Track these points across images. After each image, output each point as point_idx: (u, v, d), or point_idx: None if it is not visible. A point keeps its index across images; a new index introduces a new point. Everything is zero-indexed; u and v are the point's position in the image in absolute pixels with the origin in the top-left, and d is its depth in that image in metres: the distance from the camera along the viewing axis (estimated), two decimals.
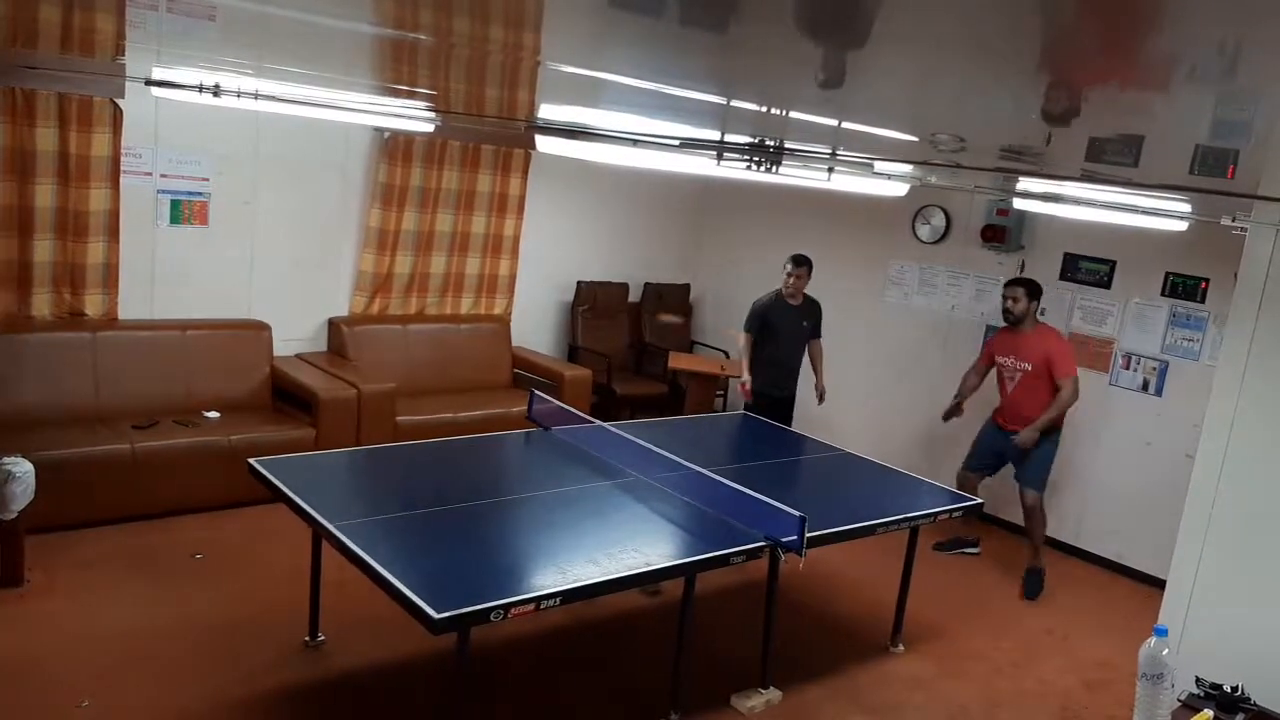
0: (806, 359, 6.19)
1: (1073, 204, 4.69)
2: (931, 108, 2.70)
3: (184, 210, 5.75)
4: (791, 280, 5.96)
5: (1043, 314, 5.73)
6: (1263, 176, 3.38)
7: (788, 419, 6.07)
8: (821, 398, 6.16)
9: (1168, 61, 1.62)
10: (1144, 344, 5.88)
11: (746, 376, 6.08)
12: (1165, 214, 4.37)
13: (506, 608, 3.02)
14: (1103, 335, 6.06)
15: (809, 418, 6.25)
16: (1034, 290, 5.49)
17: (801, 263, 5.98)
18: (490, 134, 6.53)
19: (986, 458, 5.71)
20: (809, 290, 6.10)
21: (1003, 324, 5.68)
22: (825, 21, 1.61)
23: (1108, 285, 6.03)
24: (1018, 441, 5.43)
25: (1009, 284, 5.57)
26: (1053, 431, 5.47)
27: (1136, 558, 5.86)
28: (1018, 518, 6.29)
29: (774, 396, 6.05)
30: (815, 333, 6.16)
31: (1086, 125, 2.63)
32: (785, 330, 6.02)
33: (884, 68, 2.09)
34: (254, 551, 4.90)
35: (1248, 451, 3.87)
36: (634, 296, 7.96)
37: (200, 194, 5.78)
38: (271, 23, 2.67)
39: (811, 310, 6.12)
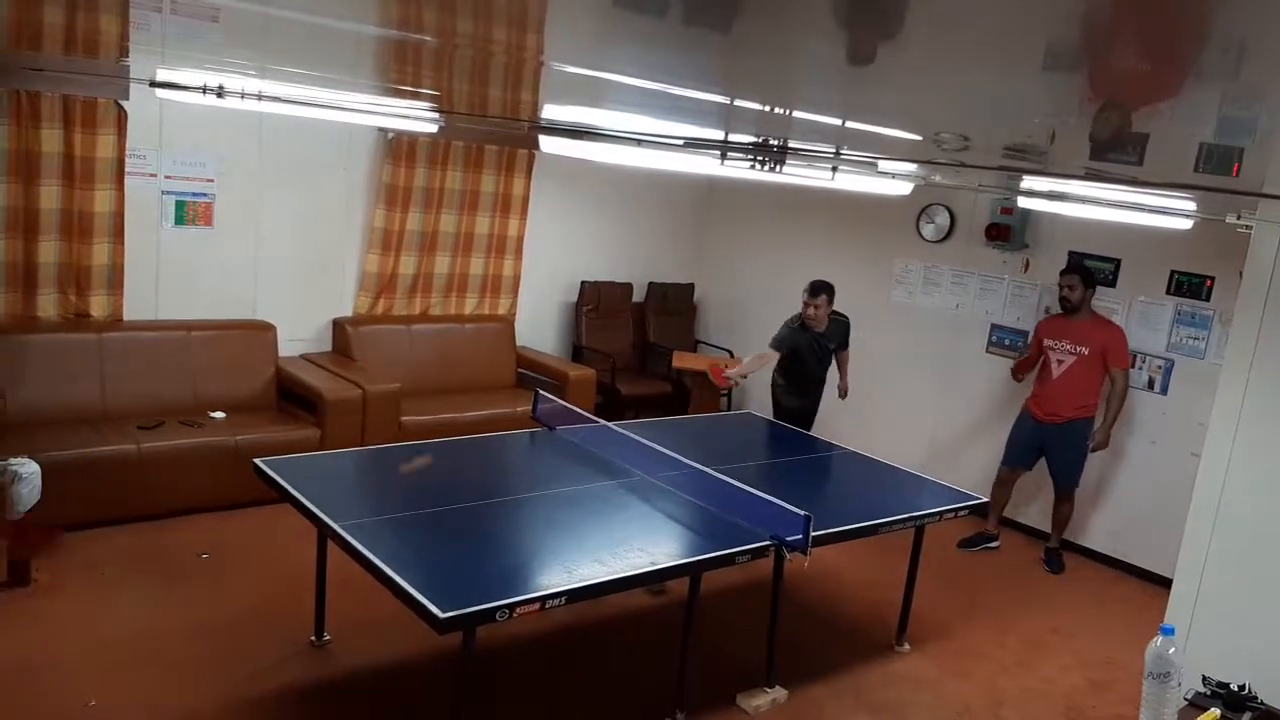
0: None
1: (1077, 202, 4.68)
2: (936, 106, 2.69)
3: (189, 211, 5.77)
4: (810, 310, 5.64)
5: (1046, 311, 5.72)
6: (1268, 174, 3.37)
7: (807, 427, 5.96)
8: (844, 394, 6.04)
9: (1174, 59, 1.62)
10: (1149, 342, 5.87)
11: (738, 370, 5.99)
12: (1170, 212, 4.36)
13: (512, 607, 3.03)
14: None
15: (819, 422, 6.23)
16: (1089, 278, 5.61)
17: (818, 291, 5.61)
18: (494, 134, 6.53)
19: (1025, 453, 5.78)
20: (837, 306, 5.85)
21: (1056, 312, 5.80)
22: (831, 19, 1.61)
23: (1113, 284, 6.01)
24: (1095, 446, 5.56)
25: (1064, 272, 5.68)
26: (1089, 421, 5.61)
27: (1142, 556, 5.85)
28: (1028, 519, 6.32)
29: (797, 408, 5.94)
30: (842, 346, 5.96)
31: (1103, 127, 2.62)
32: (811, 356, 5.82)
33: (888, 66, 2.09)
34: (259, 551, 4.90)
35: (1254, 449, 3.86)
36: (638, 296, 7.96)
37: (205, 195, 5.79)
38: (275, 24, 2.67)
39: (837, 332, 5.86)
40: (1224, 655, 3.36)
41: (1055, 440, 5.67)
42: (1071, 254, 6.15)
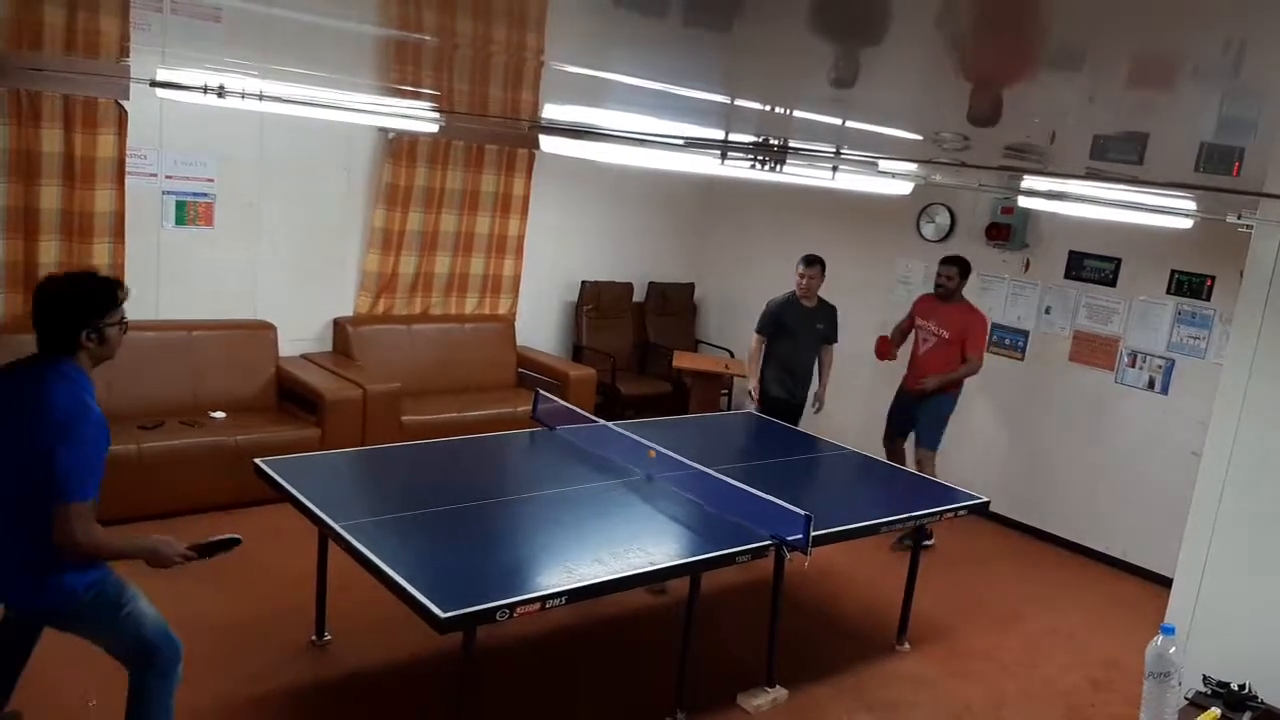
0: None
1: (1077, 202, 4.68)
2: (936, 105, 2.70)
3: (189, 211, 5.76)
4: (804, 281, 5.86)
5: (1049, 311, 5.73)
6: (1268, 174, 3.37)
7: (794, 424, 6.01)
8: (820, 407, 6.09)
9: (1173, 58, 1.62)
10: (1150, 342, 5.87)
11: (754, 383, 6.03)
12: (1170, 211, 4.36)
13: (512, 607, 3.03)
14: (1108, 333, 6.05)
15: (813, 416, 6.24)
16: (966, 270, 5.87)
17: (813, 262, 5.88)
18: (494, 134, 6.54)
19: (900, 423, 6.06)
20: (823, 294, 6.00)
21: (932, 292, 6.02)
22: (829, 20, 1.61)
23: (1113, 283, 6.01)
24: (921, 385, 5.84)
25: (945, 262, 5.91)
26: (949, 394, 5.89)
27: (1143, 556, 5.85)
28: (1032, 518, 6.33)
29: (784, 401, 5.97)
30: (828, 337, 6.04)
31: (1088, 121, 2.62)
32: (798, 332, 5.92)
33: (889, 66, 2.09)
34: (260, 551, 4.88)
35: (1254, 449, 3.86)
36: (638, 296, 7.97)
37: (205, 195, 5.79)
38: (276, 24, 2.68)
39: (825, 313, 6.00)
40: (1224, 655, 3.36)
41: (919, 409, 5.94)
42: (1072, 254, 6.16)
